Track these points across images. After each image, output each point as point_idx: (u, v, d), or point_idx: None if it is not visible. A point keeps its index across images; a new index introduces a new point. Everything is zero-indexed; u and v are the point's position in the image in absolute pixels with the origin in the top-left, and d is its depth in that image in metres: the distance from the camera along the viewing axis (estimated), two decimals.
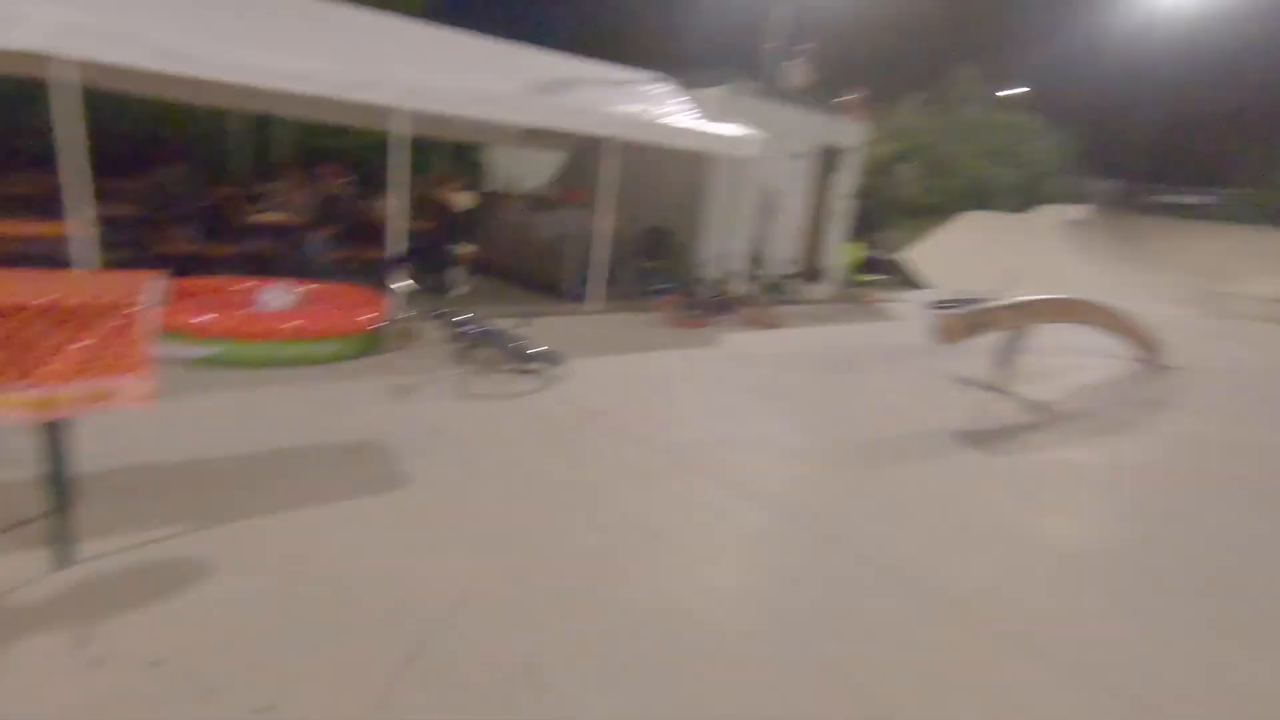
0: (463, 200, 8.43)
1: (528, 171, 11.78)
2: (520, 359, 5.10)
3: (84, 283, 2.39)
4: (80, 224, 4.98)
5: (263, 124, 10.89)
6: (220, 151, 12.15)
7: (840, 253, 11.88)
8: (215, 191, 8.11)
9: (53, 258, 5.08)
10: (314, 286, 6.04)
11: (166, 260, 7.08)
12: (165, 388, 4.29)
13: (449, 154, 11.71)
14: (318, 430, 3.76)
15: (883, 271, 13.18)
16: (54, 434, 2.28)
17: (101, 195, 7.95)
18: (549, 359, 5.07)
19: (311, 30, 6.58)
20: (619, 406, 4.74)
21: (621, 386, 5.23)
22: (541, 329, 6.29)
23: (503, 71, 7.66)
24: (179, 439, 3.47)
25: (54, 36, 4.57)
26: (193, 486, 3.02)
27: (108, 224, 7.88)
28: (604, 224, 7.93)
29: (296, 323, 4.76)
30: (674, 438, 4.27)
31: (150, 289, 2.47)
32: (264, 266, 8.25)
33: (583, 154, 11.50)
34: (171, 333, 4.57)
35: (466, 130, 10.92)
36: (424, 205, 9.04)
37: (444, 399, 4.50)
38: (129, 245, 7.48)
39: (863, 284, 11.40)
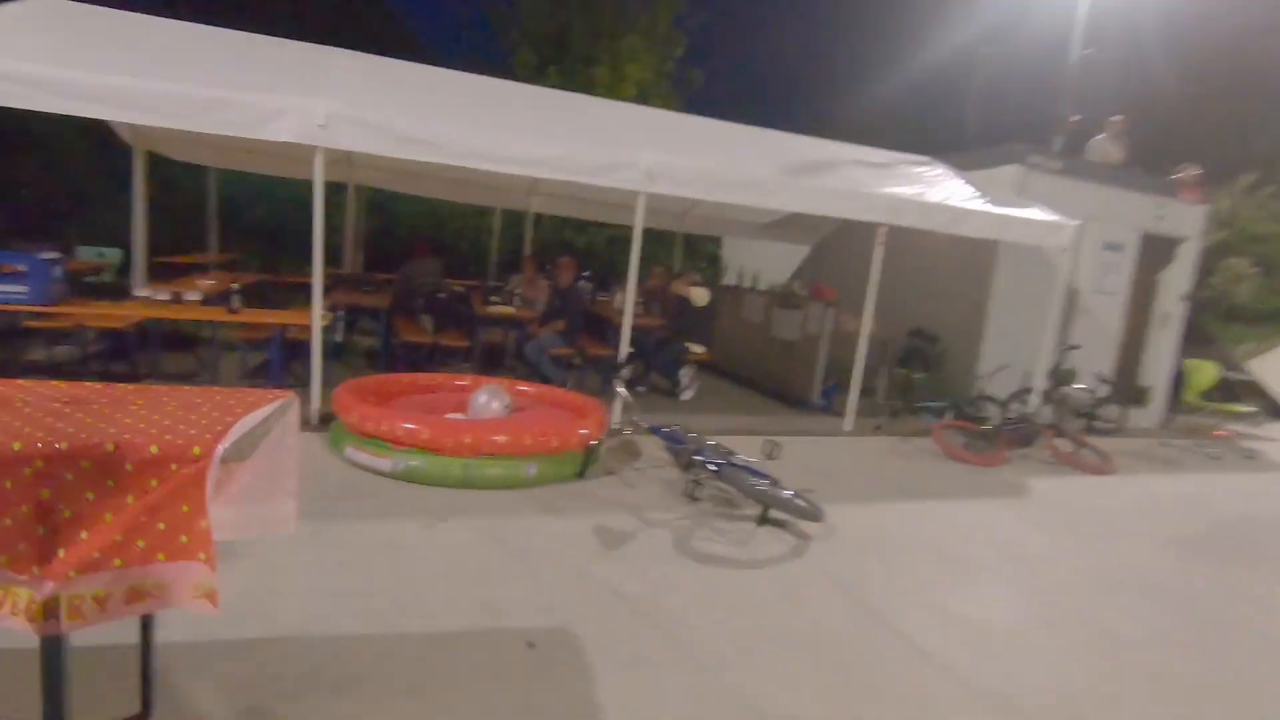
0: (699, 295, 7.59)
1: (765, 266, 10.84)
2: (767, 504, 3.81)
3: (162, 408, 1.62)
4: (320, 314, 4.79)
5: (515, 220, 11.30)
6: (475, 247, 12.97)
7: (1164, 369, 9.10)
8: (455, 284, 8.15)
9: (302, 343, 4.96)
10: (531, 389, 5.39)
11: (406, 349, 7.09)
12: (345, 508, 3.50)
13: (683, 247, 11.22)
14: (495, 602, 2.77)
15: (1232, 396, 9.94)
16: (56, 651, 1.44)
17: (360, 286, 8.46)
18: (805, 511, 3.72)
19: (554, 120, 6.28)
20: (910, 599, 3.21)
21: (906, 560, 3.68)
22: (786, 454, 4.98)
23: (751, 154, 6.82)
24: (323, 596, 2.66)
25: (304, 129, 4.48)
26: (308, 699, 2.11)
27: (360, 313, 8.31)
28: (864, 326, 6.53)
29: (502, 437, 3.98)
30: (1011, 679, 2.64)
31: (254, 422, 1.64)
32: (493, 360, 8.06)
33: (827, 247, 10.30)
34: (371, 438, 4.03)
35: (703, 221, 10.34)
36: (657, 300, 8.40)
37: (663, 558, 3.33)
38: (377, 334, 7.71)
39: (1209, 411, 8.54)
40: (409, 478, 3.93)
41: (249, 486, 2.06)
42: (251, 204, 12.22)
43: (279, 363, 4.91)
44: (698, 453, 3.99)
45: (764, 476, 3.96)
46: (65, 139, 10.31)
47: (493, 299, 7.44)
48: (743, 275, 9.76)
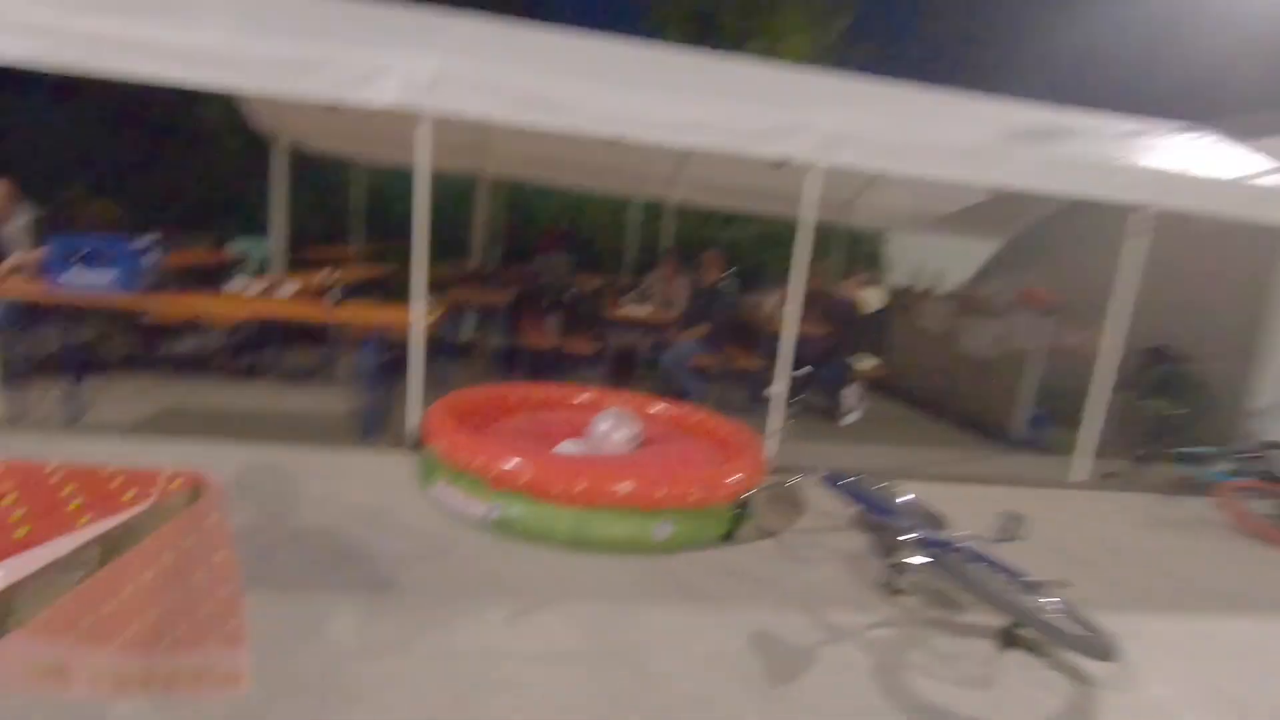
0: (871, 298, 6.23)
1: (940, 265, 9.16)
2: (1021, 623, 2.50)
3: None
4: (422, 312, 4.03)
5: (656, 214, 10.39)
6: (613, 243, 12.19)
7: None
8: (585, 282, 7.30)
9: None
10: (666, 412, 4.34)
11: (529, 354, 6.32)
12: (411, 578, 2.41)
13: (844, 244, 9.76)
14: None
15: None
16: None
17: (486, 282, 7.85)
18: (1085, 645, 2.36)
19: (706, 83, 5.19)
20: None
21: None
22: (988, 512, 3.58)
23: (953, 121, 5.38)
24: None
25: (409, 90, 3.70)
26: None
27: (488, 312, 7.68)
28: (1108, 341, 4.91)
29: (626, 484, 2.95)
30: None
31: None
32: (625, 369, 7.14)
33: (1024, 242, 8.47)
34: (463, 474, 3.14)
35: (867, 212, 8.85)
36: (817, 304, 7.11)
37: (860, 708, 2.15)
38: (500, 334, 7.03)
39: None
40: (506, 530, 3.00)
41: (155, 630, 1.16)
42: (401, 199, 12.20)
43: (374, 367, 4.21)
44: (907, 529, 2.74)
45: (1005, 570, 2.65)
46: (224, 136, 10.64)
47: (627, 299, 6.50)
48: (917, 276, 8.19)
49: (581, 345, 5.95)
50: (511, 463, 2.99)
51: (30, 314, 4.54)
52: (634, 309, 6.35)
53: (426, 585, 2.55)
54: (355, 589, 2.45)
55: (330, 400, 5.06)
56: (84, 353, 5.19)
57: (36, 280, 3.95)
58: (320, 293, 4.23)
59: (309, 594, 2.38)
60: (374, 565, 2.64)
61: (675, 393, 5.78)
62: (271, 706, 1.83)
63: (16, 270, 4.40)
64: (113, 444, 3.69)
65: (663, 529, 2.97)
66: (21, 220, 4.54)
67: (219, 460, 3.59)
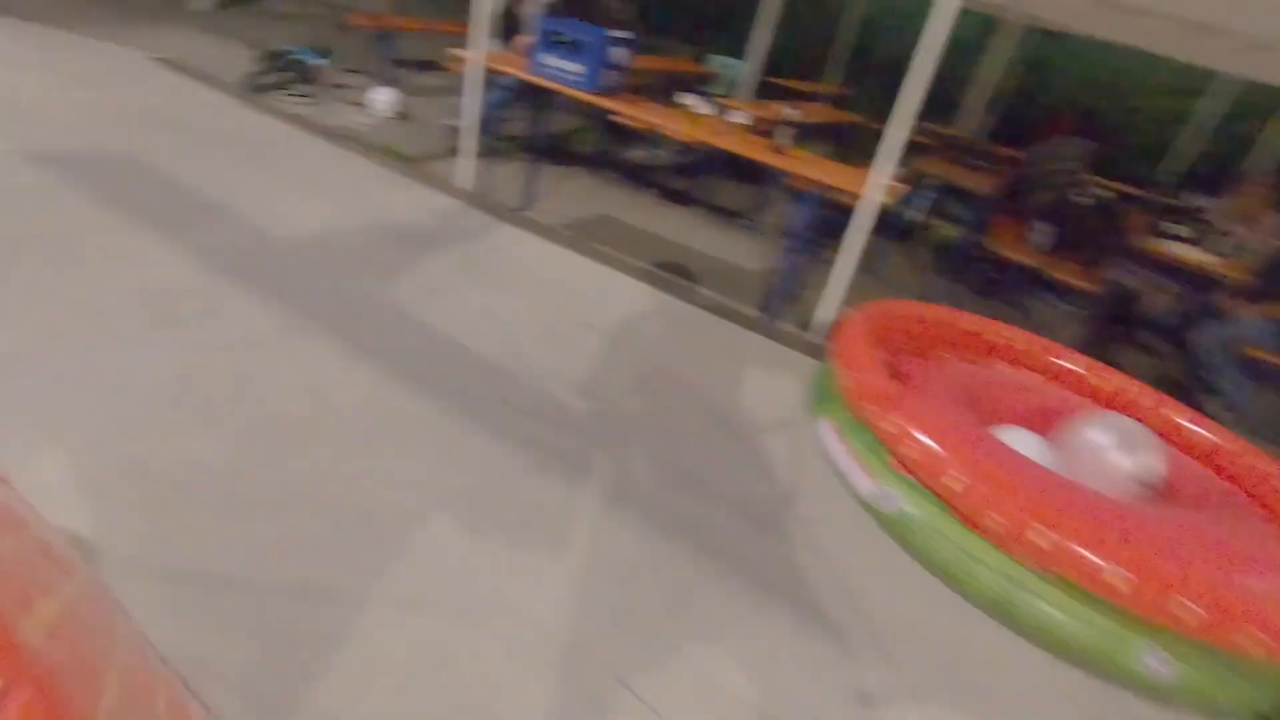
0: None
1: None
2: None
3: None
4: (883, 183, 3.02)
5: (1248, 106, 7.06)
6: (1157, 139, 8.87)
7: None
8: (1103, 185, 5.24)
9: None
10: (1209, 438, 2.71)
11: (994, 263, 4.83)
12: (745, 553, 1.55)
13: None
14: None
15: None
16: None
17: (964, 156, 6.20)
18: None
19: None
20: None
21: None
22: None
23: None
24: None
25: None
26: None
27: (952, 194, 6.12)
28: None
29: (1118, 570, 1.73)
30: None
31: None
32: (1117, 325, 5.12)
33: None
34: (860, 426, 2.27)
35: None
36: None
37: None
38: (964, 225, 5.54)
39: None
40: (898, 534, 2.09)
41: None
42: (894, 33, 10.52)
43: (803, 229, 3.39)
44: None
45: None
46: None
47: (1169, 228, 4.43)
48: None
49: (1073, 274, 4.28)
50: (933, 444, 2.00)
51: (521, 95, 4.75)
52: (1177, 246, 4.30)
53: (759, 571, 1.85)
54: (680, 534, 1.87)
55: (747, 250, 4.52)
56: (553, 142, 5.46)
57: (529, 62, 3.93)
58: (769, 130, 3.48)
59: (642, 522, 1.88)
60: (717, 505, 2.02)
61: (1200, 389, 3.88)
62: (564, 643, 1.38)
63: (525, 50, 4.56)
64: (538, 241, 3.69)
65: (1156, 661, 1.73)
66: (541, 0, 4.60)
67: (616, 289, 3.33)
